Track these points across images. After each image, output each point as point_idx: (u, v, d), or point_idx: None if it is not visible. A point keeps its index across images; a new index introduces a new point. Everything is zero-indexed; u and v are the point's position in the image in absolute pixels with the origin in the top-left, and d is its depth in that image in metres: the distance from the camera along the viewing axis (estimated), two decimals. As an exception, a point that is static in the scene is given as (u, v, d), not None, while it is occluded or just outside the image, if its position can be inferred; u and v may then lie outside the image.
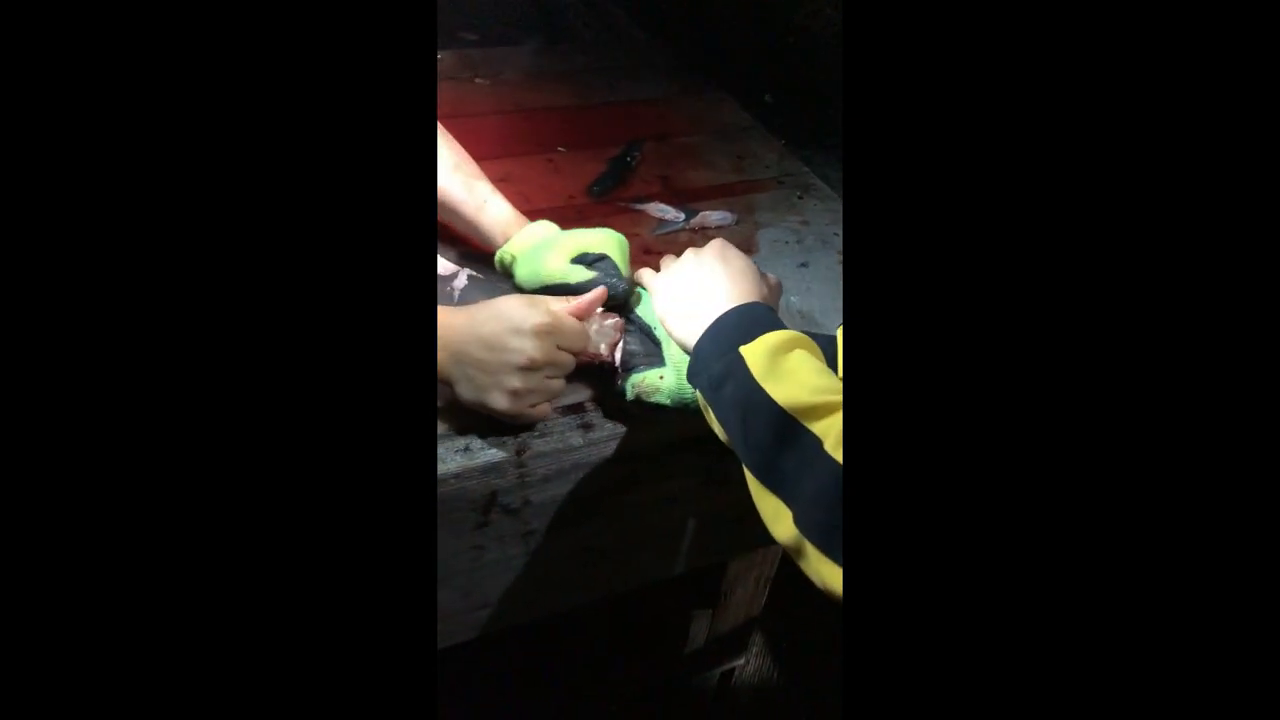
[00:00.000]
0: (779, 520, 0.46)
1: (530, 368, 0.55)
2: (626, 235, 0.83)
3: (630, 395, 0.60)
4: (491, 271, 0.71)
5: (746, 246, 0.83)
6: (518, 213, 0.70)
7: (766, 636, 1.25)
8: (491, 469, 0.59)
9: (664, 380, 0.59)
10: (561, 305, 0.59)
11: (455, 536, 0.62)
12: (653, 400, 0.59)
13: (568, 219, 0.84)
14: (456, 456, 0.58)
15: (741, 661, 1.21)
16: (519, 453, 0.60)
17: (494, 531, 0.64)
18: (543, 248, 0.65)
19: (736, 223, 0.85)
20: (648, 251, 0.81)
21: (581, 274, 0.63)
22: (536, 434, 0.61)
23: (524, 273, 0.66)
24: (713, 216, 0.84)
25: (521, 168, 0.91)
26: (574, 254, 0.64)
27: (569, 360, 0.58)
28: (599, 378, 0.63)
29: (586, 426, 0.63)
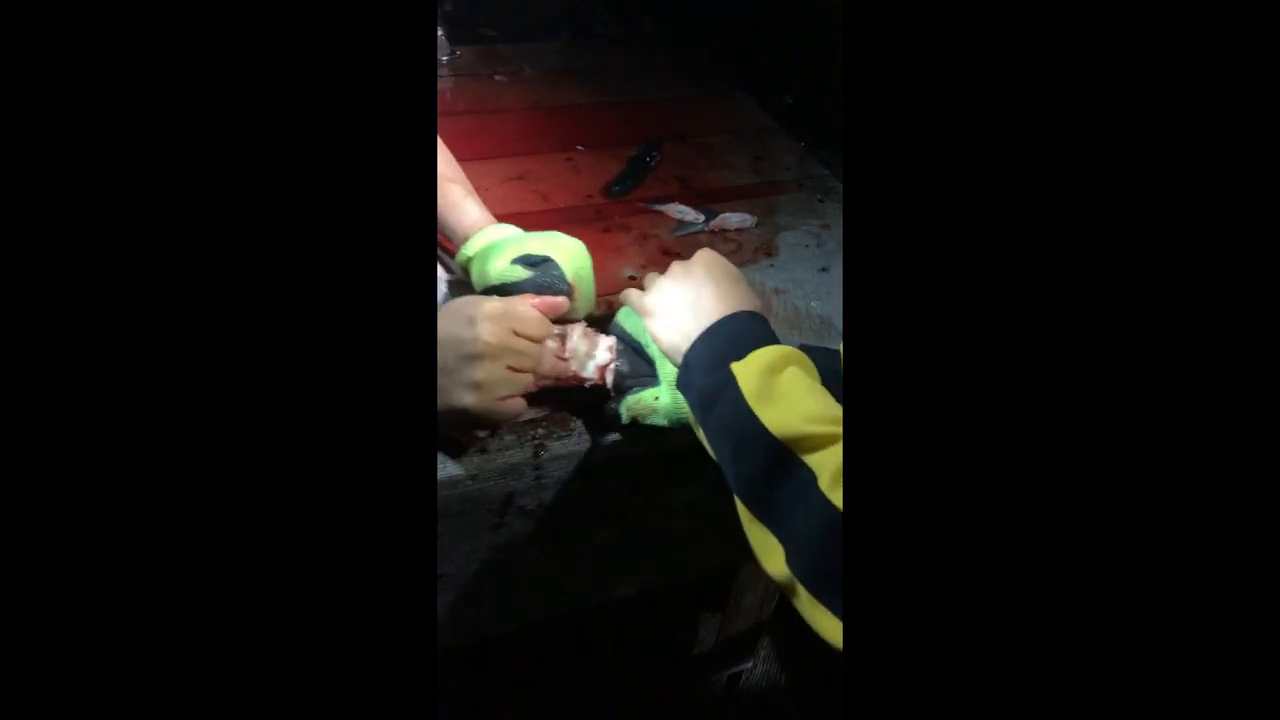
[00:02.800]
0: (770, 555, 0.44)
1: (487, 355, 0.52)
2: (645, 235, 0.83)
3: (625, 419, 0.58)
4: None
5: (767, 249, 0.82)
6: (489, 215, 0.69)
7: (775, 641, 1.25)
8: (509, 471, 0.59)
9: (659, 400, 0.57)
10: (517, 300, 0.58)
11: (471, 538, 0.62)
12: (649, 422, 0.58)
13: (586, 218, 0.84)
14: (473, 458, 0.58)
15: (749, 665, 1.21)
16: (536, 454, 0.59)
17: (509, 533, 0.64)
18: (493, 250, 0.64)
19: (757, 225, 0.84)
20: (666, 253, 0.80)
21: (522, 273, 0.61)
22: (554, 436, 0.60)
23: (475, 274, 0.65)
24: (733, 219, 0.84)
25: (540, 165, 0.91)
26: (518, 255, 0.62)
27: (530, 348, 0.55)
28: (592, 402, 0.61)
29: (604, 430, 0.62)
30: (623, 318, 0.61)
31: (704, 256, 0.57)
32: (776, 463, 0.43)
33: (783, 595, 1.11)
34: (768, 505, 0.44)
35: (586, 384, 0.59)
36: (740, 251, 0.81)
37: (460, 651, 0.72)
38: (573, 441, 0.61)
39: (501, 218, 0.82)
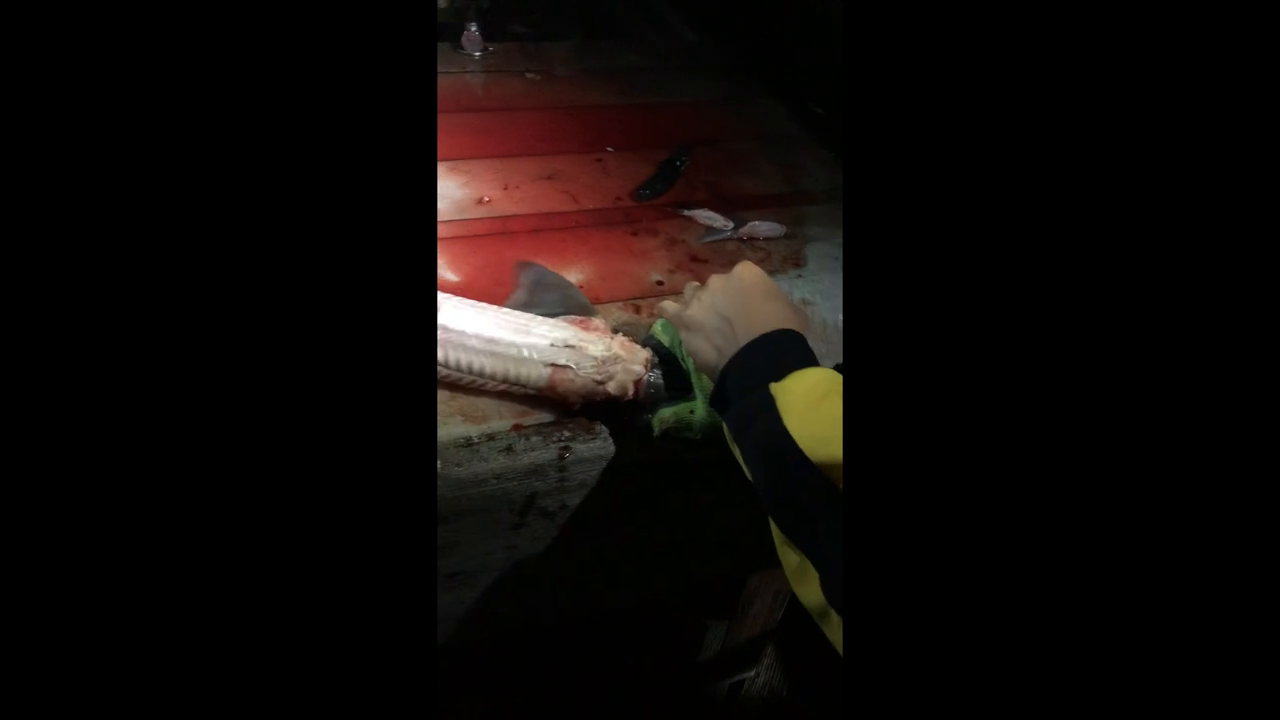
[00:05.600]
0: (805, 580, 0.44)
1: None
2: (673, 240, 0.83)
3: (657, 431, 0.58)
4: None
5: (795, 260, 0.82)
6: None
7: (779, 650, 1.24)
8: (533, 471, 0.59)
9: (695, 415, 0.57)
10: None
11: (490, 536, 0.62)
12: (683, 437, 0.58)
13: (614, 220, 0.84)
14: (499, 456, 0.58)
15: (752, 674, 1.21)
16: (561, 456, 0.59)
17: (529, 533, 0.64)
18: None
19: (785, 235, 0.84)
20: (694, 259, 0.80)
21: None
22: (580, 439, 0.60)
23: None
24: (762, 227, 0.83)
25: (569, 165, 0.91)
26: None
27: None
28: (616, 412, 0.61)
29: (630, 436, 0.62)
30: (659, 330, 0.61)
31: (744, 271, 0.56)
32: (813, 490, 0.43)
33: (790, 606, 1.11)
34: (803, 531, 0.44)
35: (621, 401, 0.59)
36: (768, 261, 0.81)
37: (466, 650, 0.72)
38: (597, 445, 0.60)
39: (531, 217, 0.83)
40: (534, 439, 0.59)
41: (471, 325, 0.59)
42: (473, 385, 0.59)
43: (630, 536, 0.70)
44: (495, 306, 0.62)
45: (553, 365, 0.58)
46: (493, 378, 0.58)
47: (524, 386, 0.59)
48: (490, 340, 0.58)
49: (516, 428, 0.59)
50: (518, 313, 0.62)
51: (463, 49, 1.09)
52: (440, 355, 0.58)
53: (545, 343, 0.59)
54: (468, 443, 0.58)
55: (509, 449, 0.58)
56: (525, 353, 0.58)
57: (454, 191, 0.84)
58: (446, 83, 1.04)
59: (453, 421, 0.59)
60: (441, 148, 0.90)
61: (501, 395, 0.60)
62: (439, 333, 0.58)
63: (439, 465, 0.56)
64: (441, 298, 0.60)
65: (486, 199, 0.83)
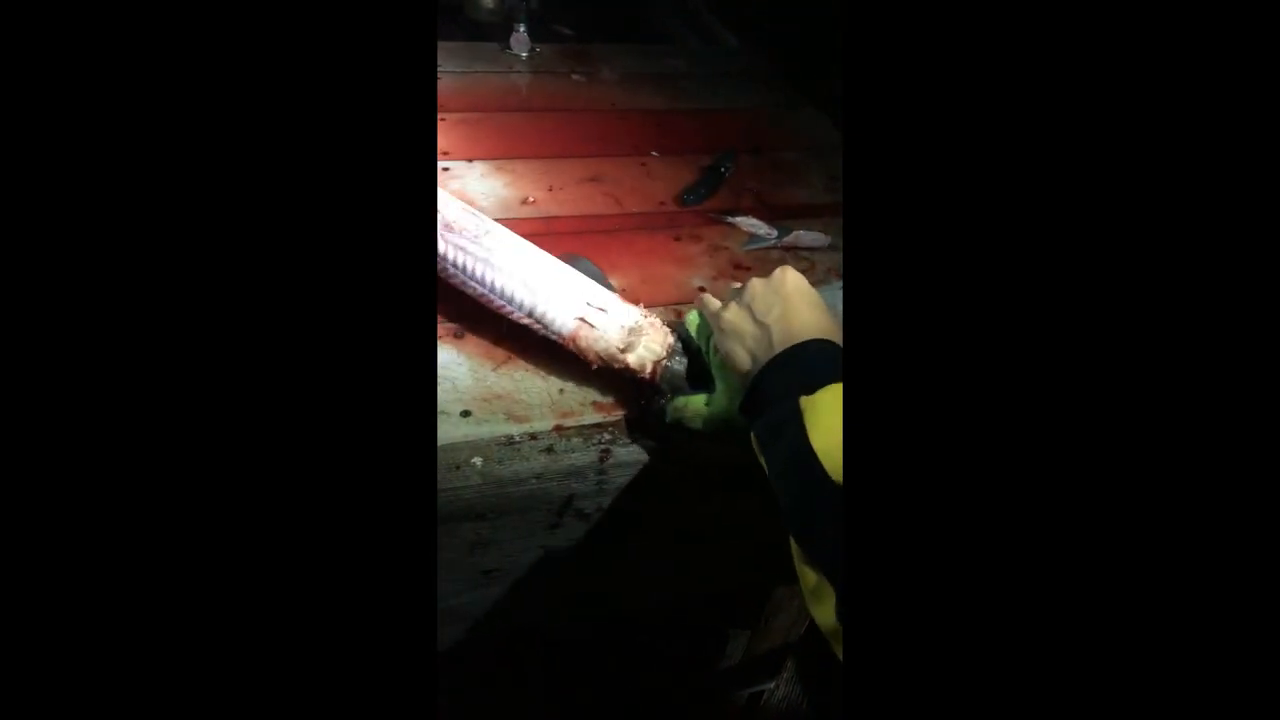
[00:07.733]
0: (821, 599, 0.43)
1: None
2: (716, 247, 0.82)
3: (670, 418, 0.59)
4: None
5: (839, 271, 0.81)
6: None
7: (800, 664, 1.23)
8: (573, 473, 0.59)
9: (708, 406, 0.57)
10: None
11: (526, 535, 0.62)
12: (692, 426, 0.58)
13: (658, 225, 0.84)
14: (540, 456, 0.58)
15: (772, 685, 1.20)
16: (601, 459, 0.59)
17: (564, 534, 0.64)
18: None
19: (830, 246, 0.83)
20: (737, 266, 0.80)
21: None
22: (620, 443, 0.60)
23: None
24: (806, 237, 0.83)
25: (614, 168, 0.91)
26: None
27: None
28: (640, 396, 0.61)
29: (666, 440, 0.62)
30: (691, 323, 0.61)
31: (785, 277, 0.55)
32: (834, 510, 0.42)
33: (814, 621, 1.10)
34: (822, 550, 0.43)
35: (636, 376, 0.59)
36: (812, 272, 0.80)
37: (488, 649, 0.72)
38: (637, 450, 0.60)
39: (575, 219, 0.83)
40: (575, 440, 0.59)
41: (514, 254, 0.61)
42: (501, 310, 0.62)
43: (663, 544, 0.70)
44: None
45: (580, 319, 0.59)
46: (519, 308, 0.61)
47: (546, 328, 0.61)
48: (527, 271, 0.61)
49: (558, 429, 0.59)
50: (564, 265, 0.64)
51: (510, 49, 1.09)
52: (476, 270, 0.60)
53: (581, 298, 0.60)
54: (509, 441, 0.58)
55: (550, 449, 0.58)
56: (557, 299, 0.60)
57: (499, 190, 0.84)
58: (493, 82, 1.05)
59: (495, 419, 0.59)
60: (487, 147, 0.91)
61: (525, 329, 0.62)
62: (475, 247, 0.60)
63: (479, 462, 0.56)
64: (491, 223, 0.62)
65: (531, 199, 0.83)
